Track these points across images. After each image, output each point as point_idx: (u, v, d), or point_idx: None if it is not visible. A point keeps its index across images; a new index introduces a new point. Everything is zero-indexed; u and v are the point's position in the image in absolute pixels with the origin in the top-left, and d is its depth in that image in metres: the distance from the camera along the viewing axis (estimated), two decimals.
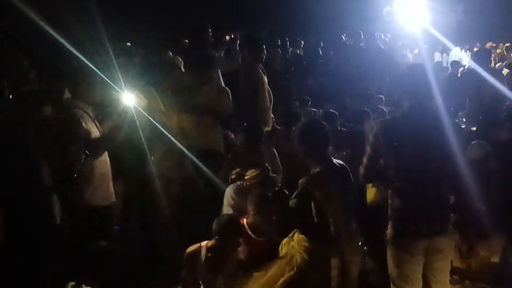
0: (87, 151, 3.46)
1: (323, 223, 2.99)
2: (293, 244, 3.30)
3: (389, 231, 3.19)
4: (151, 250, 4.81)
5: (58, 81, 3.58)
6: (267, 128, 6.36)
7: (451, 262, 3.33)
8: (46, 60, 3.71)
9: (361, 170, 3.27)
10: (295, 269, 3.25)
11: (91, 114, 3.77)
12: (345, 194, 3.05)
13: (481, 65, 6.32)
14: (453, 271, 3.35)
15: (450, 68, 11.76)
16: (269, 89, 6.50)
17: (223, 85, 5.88)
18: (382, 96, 8.56)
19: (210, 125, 5.27)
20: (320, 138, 3.19)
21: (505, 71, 10.69)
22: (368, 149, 3.18)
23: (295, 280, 3.22)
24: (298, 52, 12.55)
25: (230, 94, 5.48)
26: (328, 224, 2.96)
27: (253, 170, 4.49)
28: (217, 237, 3.73)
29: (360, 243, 3.47)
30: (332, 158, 3.32)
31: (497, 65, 12.64)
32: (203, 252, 3.80)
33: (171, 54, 6.55)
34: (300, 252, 3.26)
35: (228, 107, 5.45)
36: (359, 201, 4.23)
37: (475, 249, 3.87)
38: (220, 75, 6.68)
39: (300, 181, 3.12)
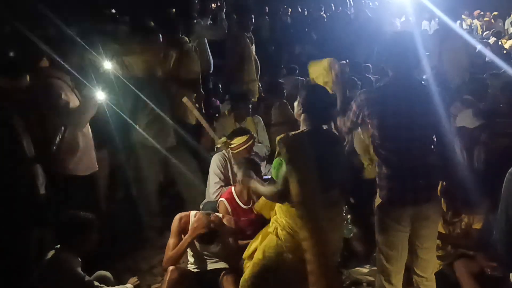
0: (66, 122, 3.41)
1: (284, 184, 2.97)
2: (275, 210, 3.31)
3: (376, 198, 3.22)
4: (137, 219, 4.82)
5: (36, 49, 3.48)
6: (253, 99, 6.35)
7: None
8: (24, 27, 3.61)
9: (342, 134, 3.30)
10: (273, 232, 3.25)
11: (69, 83, 3.71)
12: (321, 160, 3.00)
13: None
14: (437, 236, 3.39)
15: None
16: (256, 58, 6.46)
17: (192, 50, 5.62)
18: (370, 65, 8.54)
19: (173, 93, 5.11)
20: (321, 104, 3.13)
21: (492, 39, 10.70)
22: (351, 116, 3.19)
23: (272, 246, 3.23)
24: (286, 20, 12.43)
25: (194, 59, 5.34)
26: (287, 186, 2.94)
27: (239, 137, 4.48)
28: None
29: (343, 211, 3.47)
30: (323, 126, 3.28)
31: (484, 34, 12.64)
32: (192, 221, 3.81)
33: (152, 23, 6.44)
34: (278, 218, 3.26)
35: (191, 72, 5.31)
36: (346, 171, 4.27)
37: (459, 215, 3.93)
38: (207, 43, 6.63)
39: (277, 138, 3.11)
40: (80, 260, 3.35)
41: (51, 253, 3.29)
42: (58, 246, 3.32)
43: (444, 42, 6.32)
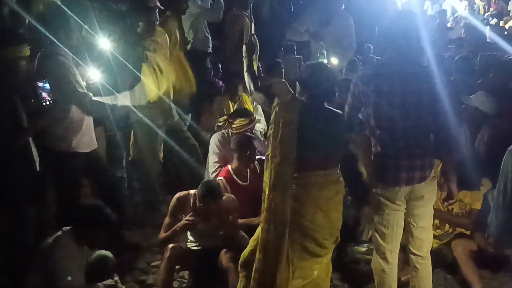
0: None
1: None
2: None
3: (371, 177, 3.23)
4: (136, 198, 4.83)
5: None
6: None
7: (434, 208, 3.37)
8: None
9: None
10: None
11: (71, 60, 3.69)
12: (319, 135, 2.98)
13: None
14: (434, 215, 3.39)
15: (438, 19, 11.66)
16: (256, 37, 6.39)
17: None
18: (371, 45, 8.51)
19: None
20: (322, 83, 3.08)
21: (493, 20, 10.63)
22: (349, 98, 3.17)
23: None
24: None
25: None
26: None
27: (242, 119, 4.49)
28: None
29: (343, 192, 3.45)
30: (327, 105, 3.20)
31: (485, 15, 12.53)
32: (191, 199, 3.81)
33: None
34: None
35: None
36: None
37: (458, 195, 3.94)
38: (206, 22, 6.56)
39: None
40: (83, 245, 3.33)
41: (56, 234, 3.23)
42: (67, 228, 3.26)
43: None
